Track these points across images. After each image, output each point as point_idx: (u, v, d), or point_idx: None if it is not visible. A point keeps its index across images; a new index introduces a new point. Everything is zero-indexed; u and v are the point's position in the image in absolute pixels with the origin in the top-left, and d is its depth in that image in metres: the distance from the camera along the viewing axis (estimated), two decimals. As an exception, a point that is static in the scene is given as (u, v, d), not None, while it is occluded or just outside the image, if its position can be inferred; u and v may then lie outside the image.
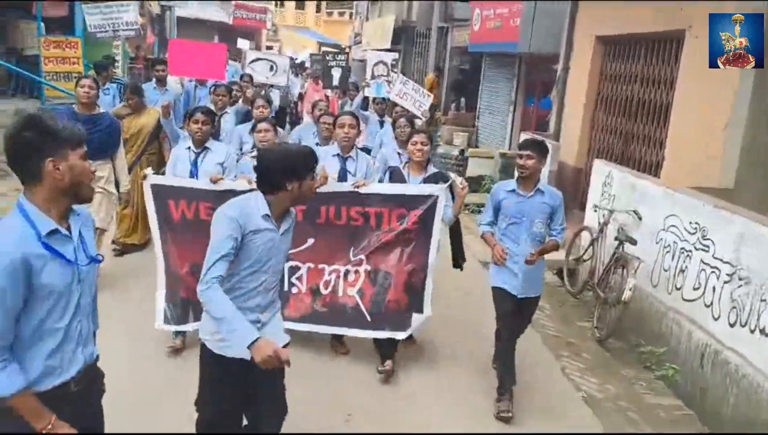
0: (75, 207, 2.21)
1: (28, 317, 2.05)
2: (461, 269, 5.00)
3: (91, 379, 2.32)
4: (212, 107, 6.40)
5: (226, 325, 2.61)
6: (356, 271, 4.66)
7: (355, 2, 34.51)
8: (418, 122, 7.59)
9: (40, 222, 2.04)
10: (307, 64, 21.64)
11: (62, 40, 12.49)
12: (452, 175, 4.87)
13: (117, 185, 5.93)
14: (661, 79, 7.02)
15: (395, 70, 10.43)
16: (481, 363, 4.80)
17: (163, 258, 4.63)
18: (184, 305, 4.59)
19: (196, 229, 4.34)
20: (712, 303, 4.60)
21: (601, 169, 6.73)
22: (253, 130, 5.41)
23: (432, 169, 4.79)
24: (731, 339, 4.33)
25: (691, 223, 5.01)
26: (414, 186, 4.65)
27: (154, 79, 8.56)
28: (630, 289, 5.13)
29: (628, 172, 6.35)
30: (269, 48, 35.62)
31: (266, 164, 2.80)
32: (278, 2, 44.65)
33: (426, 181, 4.67)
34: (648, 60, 7.29)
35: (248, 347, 2.53)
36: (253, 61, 11.38)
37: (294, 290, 4.68)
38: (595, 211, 6.44)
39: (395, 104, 8.54)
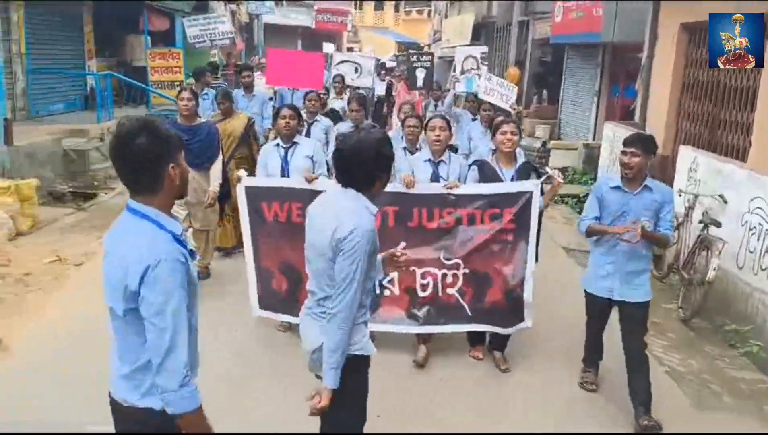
0: None
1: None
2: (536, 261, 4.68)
3: None
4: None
5: (337, 357, 2.52)
6: (454, 275, 4.56)
7: (433, 1, 34.78)
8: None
9: (168, 223, 2.02)
10: (389, 65, 21.46)
11: (166, 52, 13.60)
12: (548, 168, 4.81)
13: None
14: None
15: (485, 63, 10.23)
16: (569, 355, 4.63)
17: (254, 258, 4.76)
18: (277, 297, 4.75)
19: (288, 231, 4.53)
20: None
21: (686, 155, 6.80)
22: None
23: (521, 159, 4.66)
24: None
25: (777, 205, 5.07)
26: (507, 184, 4.47)
27: (242, 87, 8.74)
28: (714, 269, 5.25)
29: (713, 157, 6.41)
30: (350, 50, 36.45)
31: (359, 158, 2.57)
32: (357, 3, 45.58)
33: (518, 172, 4.51)
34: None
35: (332, 386, 2.51)
36: (339, 63, 11.82)
37: (387, 293, 4.64)
38: (680, 195, 6.53)
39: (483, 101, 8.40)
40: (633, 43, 9.98)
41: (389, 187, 4.30)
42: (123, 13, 13.36)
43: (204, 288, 5.28)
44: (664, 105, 8.54)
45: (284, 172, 5.04)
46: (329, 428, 2.73)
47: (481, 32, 21.15)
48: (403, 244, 4.55)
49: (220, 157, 5.91)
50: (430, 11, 39.10)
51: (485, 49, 10.77)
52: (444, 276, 4.57)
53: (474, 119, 7.82)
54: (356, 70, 11.38)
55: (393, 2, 45.57)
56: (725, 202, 5.81)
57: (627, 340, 3.99)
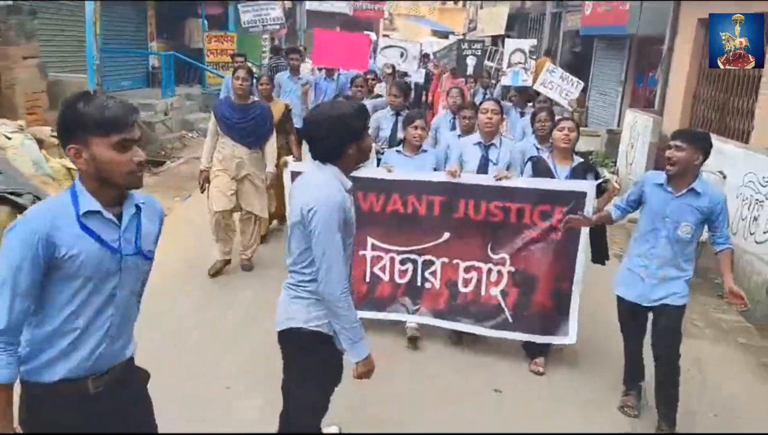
0: (142, 197, 2.12)
1: (51, 296, 1.95)
2: (603, 264, 4.53)
3: (121, 380, 2.11)
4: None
5: (353, 333, 2.55)
6: (499, 271, 4.44)
7: (469, -10, 35.35)
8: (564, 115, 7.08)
9: (84, 201, 1.96)
10: (429, 53, 20.22)
11: (221, 35, 14.68)
12: (607, 173, 4.67)
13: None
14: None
15: (534, 57, 10.01)
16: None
17: None
18: None
19: None
20: (776, 242, 5.54)
21: (695, 137, 7.63)
22: (405, 123, 4.87)
23: (578, 159, 4.44)
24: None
25: (764, 177, 5.91)
26: (562, 181, 4.28)
27: (288, 69, 8.65)
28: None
29: (715, 138, 7.22)
30: (386, 36, 37.20)
31: (319, 131, 2.58)
32: (393, -9, 46.23)
33: (574, 171, 4.33)
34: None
35: (358, 359, 2.58)
36: (384, 48, 11.73)
37: (428, 285, 4.56)
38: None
39: (537, 93, 8.28)
40: (656, 36, 10.74)
41: (437, 177, 4.44)
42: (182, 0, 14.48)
43: (245, 279, 5.49)
44: (680, 93, 9.35)
45: None
46: (291, 409, 2.86)
47: (515, 23, 21.87)
48: (447, 234, 4.42)
49: (274, 136, 5.85)
50: (465, 1, 39.63)
51: (534, 42, 10.48)
52: (489, 272, 4.46)
53: (522, 113, 7.64)
54: (402, 54, 11.32)
55: (429, -9, 46.13)
56: (724, 177, 6.65)
57: (657, 346, 3.68)
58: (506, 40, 11.83)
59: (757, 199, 5.99)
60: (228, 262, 5.84)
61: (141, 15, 13.83)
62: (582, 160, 4.49)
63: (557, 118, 4.98)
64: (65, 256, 1.91)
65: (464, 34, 31.91)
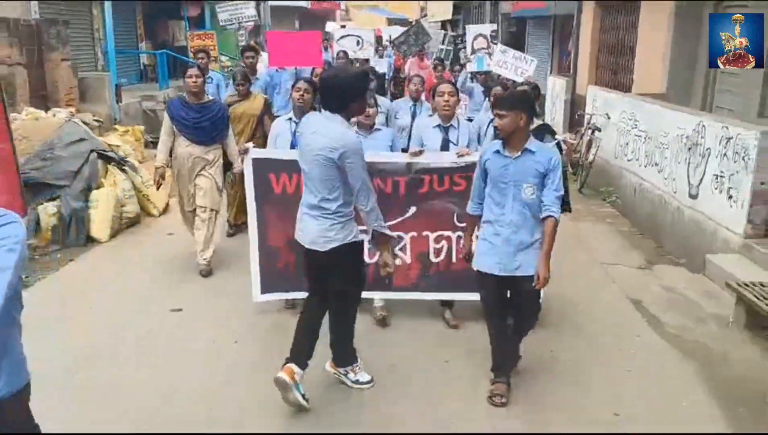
0: None
1: None
2: (570, 211, 4.86)
3: None
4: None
5: (381, 222, 3.56)
6: None
7: (419, -21, 37.47)
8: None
9: None
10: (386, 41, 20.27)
11: (203, 34, 16.61)
12: (560, 135, 4.91)
13: (227, 167, 5.91)
14: (629, 27, 10.27)
15: (495, 41, 10.39)
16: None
17: (257, 232, 4.67)
18: (282, 276, 4.68)
19: (297, 203, 4.07)
20: (638, 158, 7.95)
21: (591, 91, 10.07)
22: None
23: (537, 122, 4.45)
24: (645, 174, 7.67)
25: (630, 112, 8.32)
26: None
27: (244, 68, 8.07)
28: (593, 155, 8.54)
29: (604, 90, 9.68)
30: (343, 27, 39.03)
31: (331, 87, 3.38)
32: (348, -18, 47.98)
33: (533, 134, 4.07)
34: (627, 16, 10.51)
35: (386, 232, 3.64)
36: (341, 38, 12.42)
37: (398, 262, 4.54)
38: (584, 116, 9.82)
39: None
40: (569, 15, 13.18)
41: (398, 158, 4.62)
42: (166, 3, 16.45)
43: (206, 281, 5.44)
44: (585, 59, 11.81)
45: (294, 148, 4.70)
46: (337, 296, 3.71)
47: (461, 8, 24.26)
48: (413, 208, 4.58)
49: (231, 133, 5.84)
50: (416, -11, 41.65)
51: (494, 27, 10.80)
52: (459, 238, 4.54)
53: (485, 92, 7.97)
54: (358, 42, 11.93)
55: (381, -19, 47.99)
56: (609, 117, 9.07)
57: (517, 315, 3.79)
58: (467, 26, 12.49)
59: (627, 130, 8.41)
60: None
61: (131, 19, 15.76)
62: (540, 122, 4.73)
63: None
64: None
65: (417, 20, 34.14)
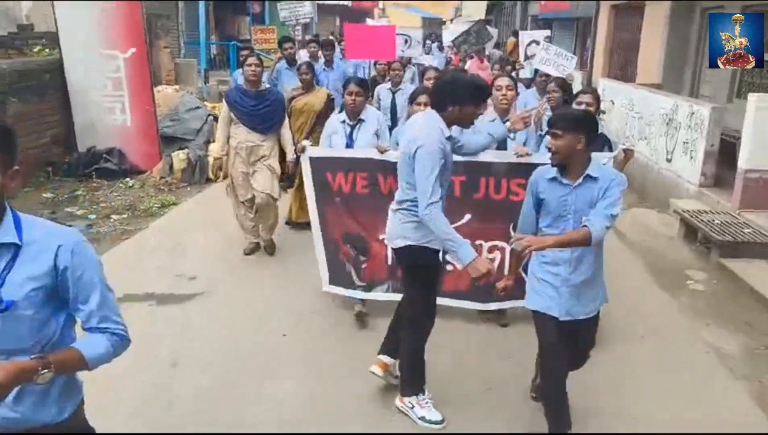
0: (11, 240, 1.71)
1: None
2: None
3: None
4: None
5: (448, 244, 3.17)
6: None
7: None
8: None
9: None
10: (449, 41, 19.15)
11: (266, 28, 18.88)
12: (622, 145, 4.72)
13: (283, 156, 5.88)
14: (636, 27, 12.19)
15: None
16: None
17: (320, 228, 4.74)
18: (346, 270, 4.75)
19: (352, 201, 4.51)
20: (633, 134, 9.86)
21: (601, 82, 12.00)
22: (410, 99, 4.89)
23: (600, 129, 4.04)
24: (638, 147, 9.57)
25: (629, 99, 10.24)
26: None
27: (284, 60, 8.58)
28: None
29: (611, 81, 11.60)
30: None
31: (437, 86, 3.48)
32: (385, -18, 49.90)
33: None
34: (635, 17, 12.42)
35: (463, 264, 3.16)
36: None
37: (449, 268, 4.48)
38: (595, 104, 11.74)
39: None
40: (590, 18, 15.09)
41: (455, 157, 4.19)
42: (233, 2, 18.74)
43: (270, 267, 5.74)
44: (600, 56, 13.72)
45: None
46: (409, 301, 3.58)
47: (493, 9, 26.18)
48: (468, 216, 4.40)
49: (287, 122, 5.91)
50: (451, -11, 43.45)
51: (548, 33, 11.03)
52: (513, 251, 4.01)
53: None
54: (406, 42, 12.29)
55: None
56: (613, 103, 10.98)
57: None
58: (520, 33, 12.91)
59: (627, 113, 10.33)
60: (259, 244, 6.15)
61: (206, 16, 18.07)
62: (600, 133, 4.10)
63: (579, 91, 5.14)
64: None
65: (451, 20, 36.01)
